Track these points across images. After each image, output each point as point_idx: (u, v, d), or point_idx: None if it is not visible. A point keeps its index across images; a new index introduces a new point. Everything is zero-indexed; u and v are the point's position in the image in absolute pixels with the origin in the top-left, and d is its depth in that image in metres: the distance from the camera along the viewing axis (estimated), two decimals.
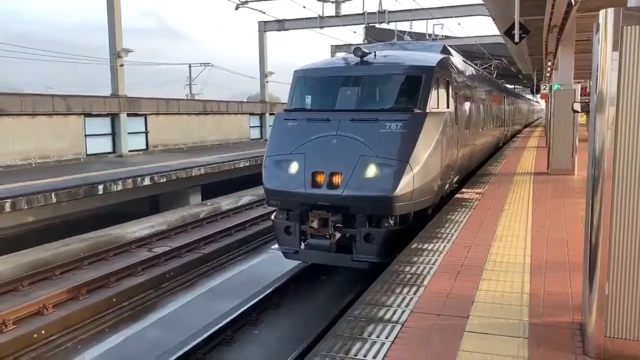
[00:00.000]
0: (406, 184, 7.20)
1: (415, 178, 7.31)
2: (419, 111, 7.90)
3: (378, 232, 7.32)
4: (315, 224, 7.21)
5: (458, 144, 9.61)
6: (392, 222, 7.34)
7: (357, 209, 7.30)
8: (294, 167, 7.67)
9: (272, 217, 8.23)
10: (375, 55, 8.74)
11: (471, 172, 12.70)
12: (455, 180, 9.99)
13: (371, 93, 8.48)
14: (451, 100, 9.17)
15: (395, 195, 7.11)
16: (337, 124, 7.74)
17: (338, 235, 7.38)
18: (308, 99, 8.97)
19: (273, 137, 8.38)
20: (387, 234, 7.30)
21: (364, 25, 28.55)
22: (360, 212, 7.33)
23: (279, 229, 7.99)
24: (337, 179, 7.31)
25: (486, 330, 3.86)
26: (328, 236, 7.23)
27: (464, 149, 10.31)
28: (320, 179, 7.39)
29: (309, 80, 9.08)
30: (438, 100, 8.47)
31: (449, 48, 10.97)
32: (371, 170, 7.24)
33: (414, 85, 8.22)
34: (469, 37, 29.59)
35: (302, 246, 7.80)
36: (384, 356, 3.49)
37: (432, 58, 9.00)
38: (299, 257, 8.07)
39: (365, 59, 8.57)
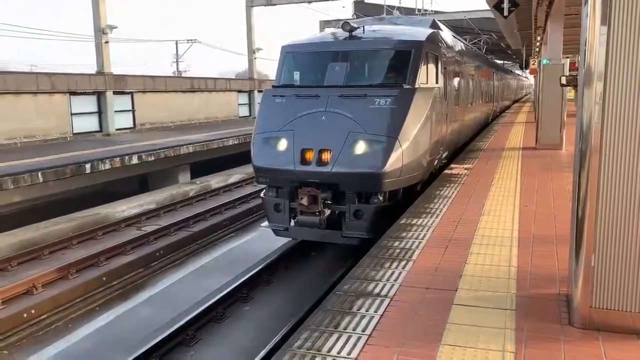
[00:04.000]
0: (395, 160, 7.21)
1: (404, 154, 7.32)
2: (408, 87, 7.86)
3: (367, 208, 7.36)
4: (304, 201, 7.24)
5: (447, 119, 9.59)
6: (381, 198, 7.38)
7: (347, 185, 7.32)
8: (282, 144, 7.63)
9: (262, 194, 8.21)
10: (364, 30, 8.67)
11: (460, 148, 12.69)
12: (444, 156, 10.00)
13: (360, 68, 8.40)
14: (440, 76, 9.11)
15: (384, 172, 7.13)
16: (325, 100, 7.70)
17: (328, 211, 7.43)
18: (296, 75, 8.89)
19: (261, 114, 8.31)
20: (376, 210, 7.34)
21: (352, 0, 28.23)
22: (350, 188, 7.36)
23: (268, 207, 7.99)
24: (326, 156, 7.31)
25: (474, 303, 3.91)
26: (318, 213, 7.29)
27: (453, 125, 10.28)
28: (310, 155, 7.39)
29: (297, 55, 8.98)
30: (427, 76, 8.43)
31: (438, 23, 10.86)
32: (360, 147, 7.24)
33: (403, 60, 8.16)
34: (459, 12, 29.39)
35: (292, 223, 7.81)
36: (373, 329, 3.53)
37: (421, 33, 8.93)
38: (289, 234, 8.07)
39: (354, 34, 8.50)
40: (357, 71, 8.32)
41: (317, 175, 7.30)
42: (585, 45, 3.25)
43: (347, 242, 7.66)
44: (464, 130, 12.74)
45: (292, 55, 8.97)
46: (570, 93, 13.71)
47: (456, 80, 11.05)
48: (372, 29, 9.09)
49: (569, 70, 12.78)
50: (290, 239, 8.86)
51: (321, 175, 7.27)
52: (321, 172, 7.26)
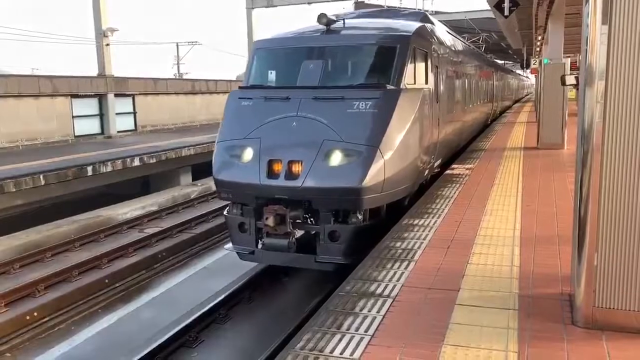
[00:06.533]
0: (376, 173, 6.28)
1: (387, 165, 6.40)
2: (392, 87, 6.95)
3: (344, 229, 6.40)
4: (270, 221, 6.33)
5: (439, 123, 8.67)
6: (360, 217, 6.45)
7: (320, 202, 6.39)
8: (247, 155, 6.70)
9: (225, 212, 7.25)
10: (344, 23, 7.79)
11: (457, 153, 11.97)
12: (436, 164, 9.01)
13: (338, 67, 7.50)
14: (431, 75, 8.22)
15: (364, 187, 6.19)
16: (297, 103, 6.79)
17: (298, 233, 6.62)
18: (267, 75, 7.94)
19: (225, 119, 7.36)
20: (354, 231, 6.39)
21: (353, 1, 28.24)
22: (324, 206, 6.42)
23: (232, 226, 7.02)
24: (296, 168, 6.39)
25: (477, 302, 3.91)
26: (286, 234, 6.43)
27: (446, 129, 9.38)
28: (278, 167, 6.46)
29: (269, 52, 7.99)
30: (415, 75, 7.52)
31: (430, 17, 10.03)
32: (336, 158, 6.33)
33: (387, 57, 7.24)
34: (459, 12, 29.38)
35: (260, 245, 6.90)
36: (376, 330, 3.53)
37: (408, 26, 7.98)
38: (255, 259, 7.07)
39: (331, 27, 7.59)
40: (334, 70, 7.42)
41: (285, 191, 6.37)
42: (587, 45, 3.25)
43: (321, 268, 6.71)
44: (460, 135, 11.82)
45: (264, 52, 7.99)
46: (571, 92, 13.69)
47: (450, 79, 10.24)
48: (354, 22, 8.25)
49: (570, 70, 12.76)
50: (257, 263, 7.81)
51: (290, 191, 6.34)
52: (290, 187, 6.32)
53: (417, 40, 7.68)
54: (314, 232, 6.66)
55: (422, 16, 9.54)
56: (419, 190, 8.03)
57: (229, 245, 7.23)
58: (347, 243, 6.38)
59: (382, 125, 6.52)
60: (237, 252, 7.08)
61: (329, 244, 6.46)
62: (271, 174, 6.46)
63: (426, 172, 8.13)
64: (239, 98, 7.39)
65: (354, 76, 7.43)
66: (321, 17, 7.45)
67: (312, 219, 6.60)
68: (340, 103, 6.68)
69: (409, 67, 7.28)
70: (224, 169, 6.92)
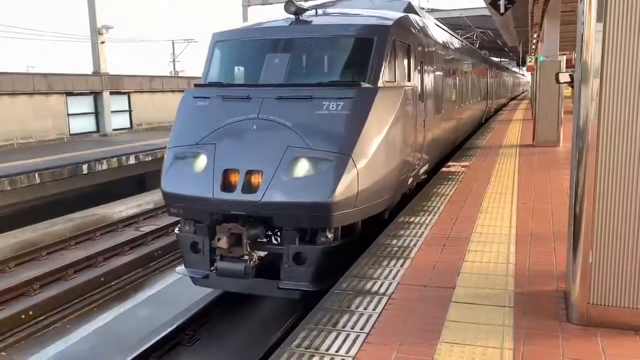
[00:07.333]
0: (348, 185, 5.41)
1: (361, 176, 5.53)
2: (368, 85, 6.12)
3: (312, 250, 5.51)
4: (223, 243, 5.37)
5: (425, 125, 7.84)
6: (330, 236, 5.56)
7: (283, 220, 5.50)
8: (200, 163, 5.82)
9: (176, 229, 6.34)
10: (316, 12, 7.02)
11: (448, 155, 11.27)
12: (422, 170, 8.12)
13: (306, 62, 6.66)
14: (414, 71, 7.45)
15: (333, 201, 5.30)
16: (259, 103, 5.93)
17: (258, 255, 5.76)
18: (227, 71, 7.11)
19: (177, 122, 6.47)
20: (324, 253, 5.52)
21: None
22: (288, 224, 5.53)
23: (184, 246, 6.09)
24: (256, 179, 5.51)
25: (472, 300, 3.92)
26: (243, 257, 5.52)
27: (433, 131, 8.53)
28: (234, 179, 5.58)
29: (229, 45, 7.10)
30: (395, 71, 6.71)
31: (415, 7, 9.10)
32: (301, 167, 5.46)
33: (363, 51, 6.43)
34: (455, 9, 29.41)
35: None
36: (372, 327, 3.53)
37: (388, 16, 7.12)
38: (208, 284, 6.12)
39: (301, 17, 6.76)
40: (302, 65, 6.61)
41: (243, 206, 5.47)
42: (582, 42, 3.26)
43: (285, 296, 5.88)
44: (450, 136, 10.96)
45: (223, 45, 7.10)
46: (567, 90, 13.71)
47: (438, 77, 9.40)
48: (328, 11, 7.51)
49: (566, 67, 12.79)
50: (212, 289, 6.90)
51: (248, 206, 5.45)
52: (248, 201, 5.42)
53: (398, 31, 6.87)
54: (275, 253, 5.82)
55: (406, 6, 8.63)
56: (402, 201, 7.23)
57: (181, 267, 6.25)
58: (315, 266, 5.50)
59: (355, 129, 5.69)
60: (190, 276, 6.11)
61: (294, 268, 5.56)
62: (227, 187, 5.57)
63: (410, 180, 7.30)
64: (194, 97, 6.49)
65: (325, 73, 6.60)
66: (289, 5, 6.64)
67: (276, 237, 5.79)
68: (307, 103, 5.85)
69: (388, 62, 6.49)
70: (173, 180, 5.99)
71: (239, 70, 7.08)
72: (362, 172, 5.55)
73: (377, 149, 5.83)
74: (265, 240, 5.78)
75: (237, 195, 5.47)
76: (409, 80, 7.24)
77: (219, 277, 5.76)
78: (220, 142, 5.83)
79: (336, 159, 5.48)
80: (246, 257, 5.51)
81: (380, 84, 6.22)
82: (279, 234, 5.77)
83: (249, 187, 5.48)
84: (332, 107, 5.75)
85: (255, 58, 6.71)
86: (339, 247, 5.64)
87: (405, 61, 7.20)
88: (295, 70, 6.40)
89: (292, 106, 5.85)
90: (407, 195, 7.51)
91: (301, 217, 5.45)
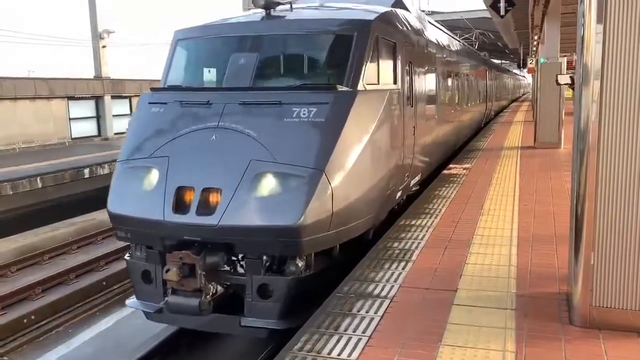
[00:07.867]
0: (320, 205, 4.62)
1: (336, 194, 4.73)
2: (346, 89, 5.32)
3: (279, 281, 4.70)
4: (172, 275, 4.51)
5: (415, 132, 7.13)
6: (301, 264, 4.75)
7: (245, 246, 4.74)
8: (151, 180, 5.00)
9: (127, 255, 5.49)
10: (291, 7, 6.28)
11: (443, 164, 10.52)
12: (413, 182, 7.36)
13: (276, 62, 5.92)
14: (401, 73, 6.66)
15: (303, 225, 4.49)
16: (220, 110, 5.15)
17: (214, 288, 4.91)
18: (188, 73, 6.34)
19: (130, 131, 5.69)
20: (293, 285, 4.71)
21: None
22: (250, 251, 4.76)
23: (134, 275, 5.26)
24: (213, 199, 4.71)
25: (474, 302, 3.91)
26: (197, 291, 4.66)
27: (425, 139, 7.84)
28: (189, 198, 4.76)
29: (191, 44, 6.31)
30: (378, 73, 5.94)
31: (403, 2, 8.24)
32: (266, 185, 4.66)
33: (340, 49, 5.66)
34: (456, 12, 29.45)
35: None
36: (374, 330, 3.53)
37: (371, 11, 6.37)
38: (162, 319, 5.24)
39: (272, 12, 6.01)
40: (272, 66, 5.88)
41: (197, 231, 4.66)
42: (582, 44, 3.26)
43: (249, 335, 5.17)
44: (445, 143, 10.15)
45: (186, 43, 6.31)
46: (568, 92, 13.71)
47: (431, 79, 8.70)
48: (304, 6, 6.81)
49: (567, 69, 12.79)
50: (167, 325, 5.91)
51: (203, 231, 4.63)
52: (203, 225, 4.60)
53: (381, 27, 6.08)
54: (237, 284, 5.00)
55: (394, 0, 7.80)
56: (390, 216, 6.49)
57: (132, 299, 5.38)
58: (283, 300, 4.69)
59: (329, 140, 4.89)
60: (142, 310, 5.30)
61: (259, 302, 4.74)
62: (180, 207, 4.74)
63: (398, 194, 6.55)
64: (149, 103, 5.64)
65: (297, 74, 5.86)
66: None
67: (241, 265, 4.99)
68: (275, 110, 5.07)
69: (370, 62, 5.71)
70: (120, 199, 5.18)
71: (202, 73, 6.32)
72: (338, 189, 4.76)
73: (356, 162, 5.05)
74: (225, 269, 4.94)
75: (191, 218, 4.64)
76: (394, 82, 6.47)
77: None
78: (174, 155, 5.02)
79: (307, 175, 4.67)
80: (202, 291, 4.66)
81: (360, 87, 5.45)
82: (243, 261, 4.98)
83: (205, 208, 4.67)
84: (304, 114, 5.00)
85: (219, 58, 6.00)
86: (312, 277, 4.86)
87: (391, 61, 6.44)
88: (263, 71, 5.67)
89: (258, 113, 5.11)
90: (396, 211, 6.83)
91: (266, 243, 4.66)
